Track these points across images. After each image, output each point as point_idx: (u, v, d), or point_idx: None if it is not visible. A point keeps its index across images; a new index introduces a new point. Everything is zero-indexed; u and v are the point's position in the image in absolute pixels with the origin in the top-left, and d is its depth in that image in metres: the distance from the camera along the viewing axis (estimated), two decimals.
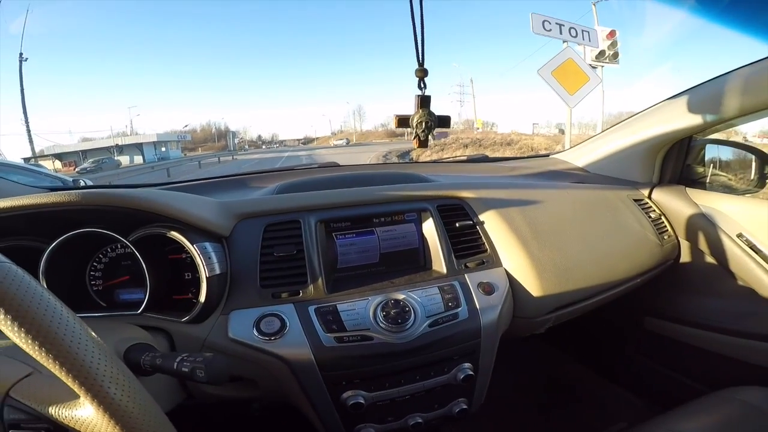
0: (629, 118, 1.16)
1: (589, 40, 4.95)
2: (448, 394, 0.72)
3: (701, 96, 0.95)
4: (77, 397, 0.35)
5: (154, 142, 31.78)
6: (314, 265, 0.70)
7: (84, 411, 0.35)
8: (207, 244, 0.66)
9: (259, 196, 0.93)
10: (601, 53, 5.21)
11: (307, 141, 63.49)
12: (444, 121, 0.62)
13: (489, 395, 0.76)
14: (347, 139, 45.92)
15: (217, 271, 0.65)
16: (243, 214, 0.75)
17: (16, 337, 0.31)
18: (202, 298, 0.63)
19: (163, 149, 31.98)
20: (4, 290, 0.31)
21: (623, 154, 1.17)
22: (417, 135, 0.61)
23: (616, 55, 5.22)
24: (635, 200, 1.02)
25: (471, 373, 0.69)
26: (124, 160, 27.34)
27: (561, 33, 4.82)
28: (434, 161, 1.87)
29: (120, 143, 30.36)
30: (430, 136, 0.61)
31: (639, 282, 0.94)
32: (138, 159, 28.74)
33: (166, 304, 0.68)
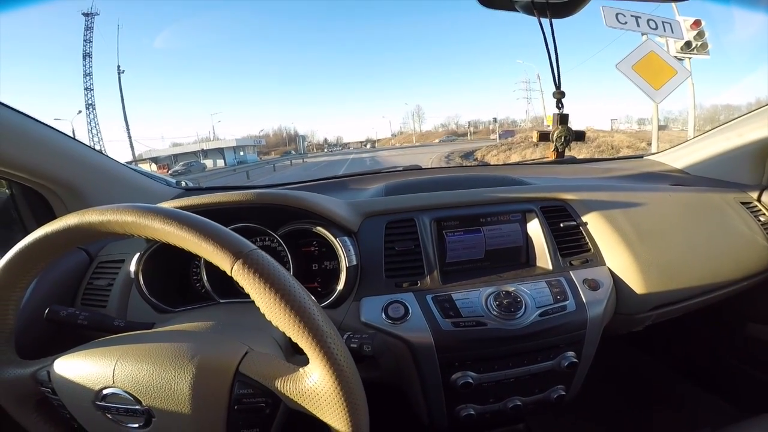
0: (735, 119, 1.12)
1: (672, 32, 4.50)
2: (549, 380, 0.76)
3: None
4: (296, 371, 0.39)
5: (233, 146, 34.93)
6: (430, 258, 0.78)
7: (308, 381, 0.37)
8: (346, 238, 0.75)
9: (370, 196, 1.00)
10: (687, 44, 4.70)
11: (369, 143, 66.31)
12: (579, 135, 0.65)
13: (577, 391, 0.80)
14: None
15: (354, 262, 0.73)
16: (369, 213, 0.84)
17: (279, 309, 0.35)
18: (341, 285, 0.71)
19: (242, 153, 34.99)
20: (269, 272, 0.36)
21: (728, 156, 1.11)
22: (556, 147, 0.65)
23: (705, 46, 4.66)
24: (743, 203, 0.99)
25: (575, 360, 0.73)
26: (209, 163, 30.30)
27: (638, 25, 4.46)
28: (518, 163, 1.82)
29: (204, 148, 33.92)
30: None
31: (746, 285, 0.91)
32: (220, 162, 31.70)
33: None
